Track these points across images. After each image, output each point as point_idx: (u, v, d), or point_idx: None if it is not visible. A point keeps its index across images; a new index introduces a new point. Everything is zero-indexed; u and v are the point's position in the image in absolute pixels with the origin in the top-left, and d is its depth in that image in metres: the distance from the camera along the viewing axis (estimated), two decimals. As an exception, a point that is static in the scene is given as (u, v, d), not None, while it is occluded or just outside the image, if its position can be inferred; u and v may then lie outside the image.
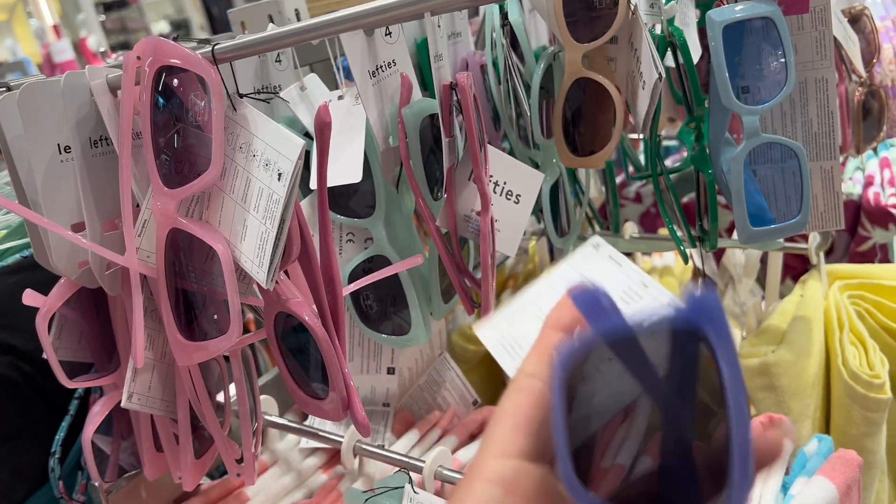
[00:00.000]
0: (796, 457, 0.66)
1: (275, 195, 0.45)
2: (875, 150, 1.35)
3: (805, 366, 0.80)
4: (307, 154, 0.53)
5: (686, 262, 0.77)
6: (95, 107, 0.51)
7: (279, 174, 0.45)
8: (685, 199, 1.39)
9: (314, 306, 0.52)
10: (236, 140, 0.47)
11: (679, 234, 0.77)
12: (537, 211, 0.91)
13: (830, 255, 1.26)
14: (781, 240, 0.81)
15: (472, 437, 0.78)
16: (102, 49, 1.53)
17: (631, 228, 1.03)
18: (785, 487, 0.63)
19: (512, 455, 0.28)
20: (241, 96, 0.47)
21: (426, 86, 0.75)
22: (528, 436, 0.28)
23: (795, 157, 0.69)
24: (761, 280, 1.13)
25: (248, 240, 0.47)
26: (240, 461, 0.60)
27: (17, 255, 0.73)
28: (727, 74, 0.66)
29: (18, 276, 0.71)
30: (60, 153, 0.53)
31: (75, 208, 0.54)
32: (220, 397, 0.62)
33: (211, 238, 0.47)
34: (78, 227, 0.54)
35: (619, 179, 1.33)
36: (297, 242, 0.49)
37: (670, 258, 1.04)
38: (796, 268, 1.20)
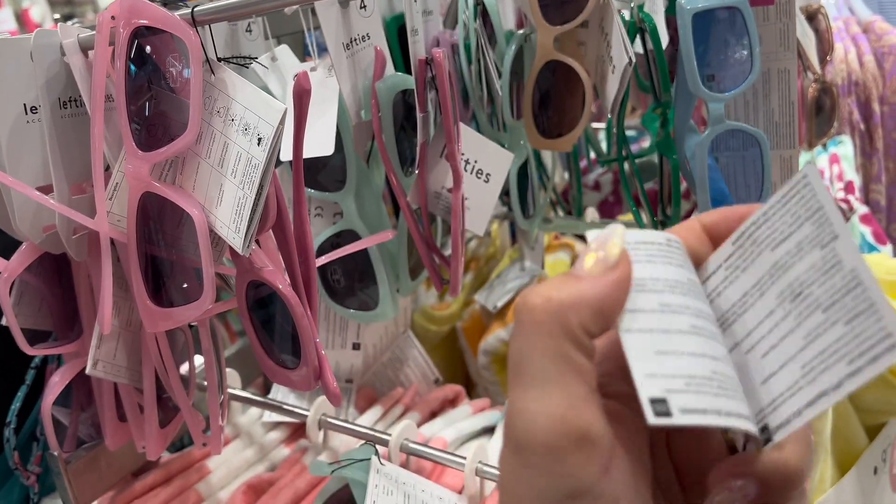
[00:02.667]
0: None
1: (254, 160, 0.45)
2: (825, 146, 1.40)
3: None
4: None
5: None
6: (66, 67, 0.50)
7: (259, 139, 0.45)
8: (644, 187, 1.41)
9: (286, 276, 0.52)
10: (214, 104, 0.47)
11: (643, 219, 0.79)
12: (502, 194, 0.92)
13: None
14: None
15: (434, 414, 0.78)
16: (48, 21, 1.48)
17: (592, 214, 1.04)
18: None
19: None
20: (220, 60, 0.47)
21: (395, 65, 0.75)
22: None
23: (758, 144, 0.71)
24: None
25: (225, 205, 0.46)
26: (205, 431, 0.60)
27: (-27, 221, 0.70)
28: (695, 62, 0.67)
29: (-26, 241, 0.69)
30: (27, 113, 0.51)
31: (41, 171, 0.53)
32: (184, 369, 0.62)
33: (186, 202, 0.46)
34: (44, 191, 0.52)
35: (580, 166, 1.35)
36: (274, 210, 0.49)
37: (629, 244, 1.06)
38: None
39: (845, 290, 0.25)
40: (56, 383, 0.60)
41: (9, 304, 0.55)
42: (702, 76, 0.68)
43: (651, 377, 0.25)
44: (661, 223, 0.80)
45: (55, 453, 0.61)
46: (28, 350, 0.57)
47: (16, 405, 0.68)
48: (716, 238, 0.30)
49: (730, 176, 0.76)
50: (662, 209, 0.81)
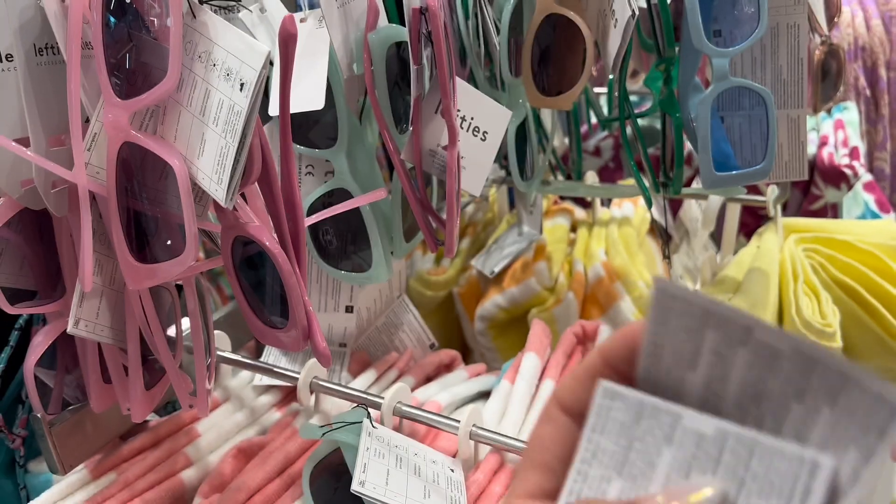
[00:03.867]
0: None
1: (236, 107, 0.43)
2: (829, 111, 1.37)
3: (760, 315, 0.81)
4: (267, 80, 0.50)
5: (650, 206, 0.77)
6: (41, 11, 0.48)
7: (241, 84, 0.42)
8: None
9: (274, 232, 0.50)
10: (195, 49, 0.45)
11: (645, 182, 0.77)
12: (500, 157, 0.89)
13: (783, 212, 1.28)
14: (743, 188, 0.81)
15: (429, 379, 0.77)
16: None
17: (592, 177, 1.02)
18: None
19: (534, 495, 0.27)
20: (202, 2, 0.44)
21: (389, 16, 0.73)
22: (546, 473, 0.27)
23: (763, 103, 0.68)
24: (715, 237, 1.14)
25: (207, 155, 0.44)
26: (192, 394, 0.58)
27: (-47, 178, 0.68)
28: (699, 15, 0.65)
29: (-46, 199, 0.67)
30: (1, 61, 0.49)
31: (17, 122, 0.50)
32: (172, 332, 0.60)
33: (166, 153, 0.44)
34: (21, 144, 0.50)
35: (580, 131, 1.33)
36: (258, 161, 0.47)
37: (629, 209, 1.04)
38: (750, 225, 1.22)
39: (804, 373, 0.23)
40: (39, 343, 0.59)
41: (-13, 261, 0.53)
42: (707, 31, 0.66)
43: None
44: (664, 185, 0.78)
45: (39, 415, 0.59)
46: (8, 309, 0.55)
47: (-1, 367, 0.66)
48: (623, 365, 0.27)
49: (734, 136, 0.74)
50: (664, 171, 0.79)
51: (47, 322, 0.61)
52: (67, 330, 0.54)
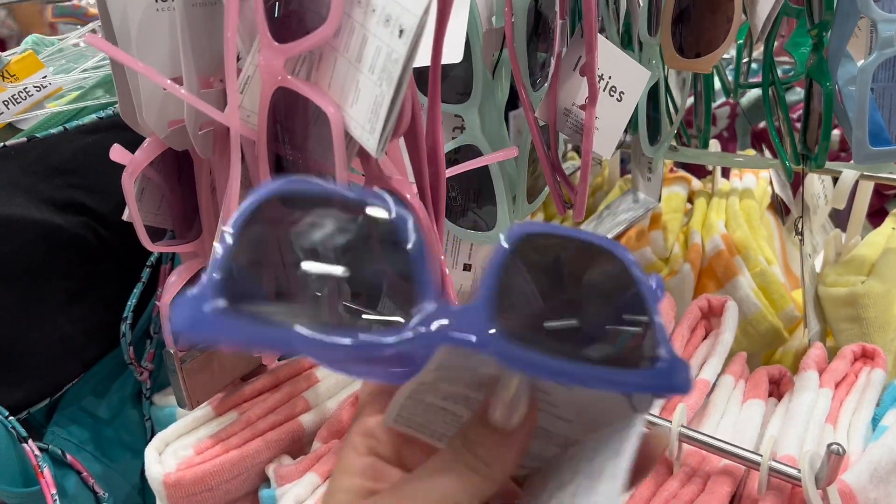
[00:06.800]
0: (887, 389, 0.64)
1: (394, 54, 0.42)
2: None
3: (894, 299, 0.77)
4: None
5: (790, 179, 0.73)
6: (199, -49, 0.48)
7: (400, 31, 0.41)
8: (762, 125, 1.33)
9: (415, 186, 0.49)
10: (354, -6, 0.44)
11: (785, 151, 0.73)
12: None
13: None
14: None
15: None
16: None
17: (715, 146, 0.98)
18: (875, 420, 0.61)
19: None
20: (364, -54, 0.43)
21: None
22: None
23: (925, 74, 0.64)
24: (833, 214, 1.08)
25: (361, 103, 0.44)
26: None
27: (94, 116, 0.70)
28: (866, -23, 0.60)
29: (95, 136, 0.69)
30: (157, 1, 0.50)
31: (169, 62, 0.51)
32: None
33: (322, 100, 0.44)
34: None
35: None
36: (409, 113, 0.46)
37: (750, 180, 0.99)
38: (872, 204, 1.15)
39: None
40: (173, 283, 0.60)
41: (133, 198, 0.55)
42: (871, -6, 0.61)
43: None
44: (803, 157, 0.73)
45: (172, 351, 0.61)
46: (149, 246, 0.57)
47: (132, 301, 0.69)
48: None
49: (884, 108, 0.69)
50: (805, 143, 0.74)
51: (178, 262, 0.62)
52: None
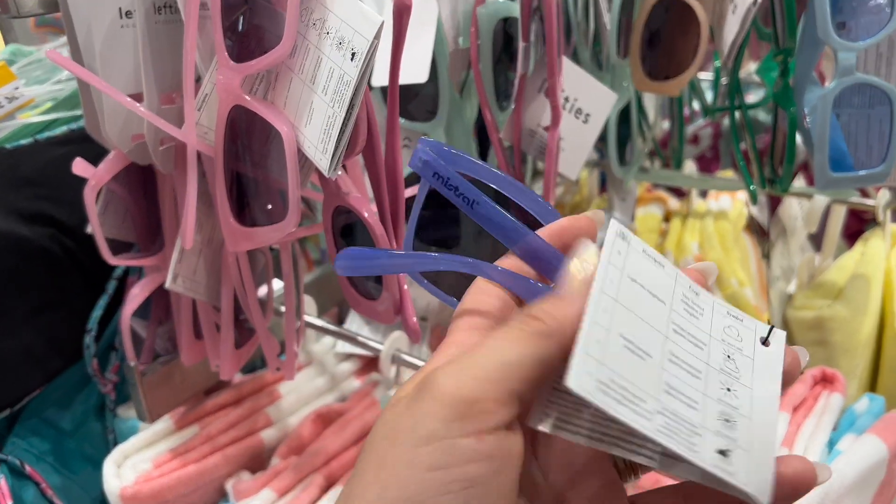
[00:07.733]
0: (845, 414, 0.64)
1: (346, 76, 0.42)
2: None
3: (860, 324, 0.77)
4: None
5: (755, 202, 0.74)
6: (162, -31, 0.48)
7: (352, 54, 0.42)
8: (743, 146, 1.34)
9: (373, 204, 0.50)
10: (310, 16, 0.44)
11: (751, 175, 0.74)
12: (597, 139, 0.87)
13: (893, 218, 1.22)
14: (856, 191, 0.77)
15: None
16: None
17: (690, 167, 0.99)
18: (831, 443, 0.61)
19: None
20: (320, -32, 0.44)
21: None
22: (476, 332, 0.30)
23: (888, 102, 0.64)
24: (813, 238, 1.09)
25: (314, 123, 0.44)
26: (279, 356, 0.59)
27: (65, 128, 0.71)
28: (828, 5, 0.61)
29: (66, 148, 0.69)
30: (121, 17, 0.50)
31: (132, 78, 0.51)
32: (262, 292, 0.61)
33: (276, 119, 0.44)
34: (134, 99, 0.51)
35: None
36: (364, 133, 0.46)
37: (726, 202, 1.00)
38: (851, 227, 1.16)
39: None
40: (136, 295, 0.60)
41: (94, 211, 0.55)
42: (833, 23, 0.62)
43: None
44: (770, 181, 0.74)
45: (132, 364, 0.61)
46: (110, 259, 0.57)
47: (96, 313, 0.69)
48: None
49: (850, 135, 0.70)
50: (772, 167, 0.75)
51: (144, 275, 0.63)
52: (166, 285, 0.55)
